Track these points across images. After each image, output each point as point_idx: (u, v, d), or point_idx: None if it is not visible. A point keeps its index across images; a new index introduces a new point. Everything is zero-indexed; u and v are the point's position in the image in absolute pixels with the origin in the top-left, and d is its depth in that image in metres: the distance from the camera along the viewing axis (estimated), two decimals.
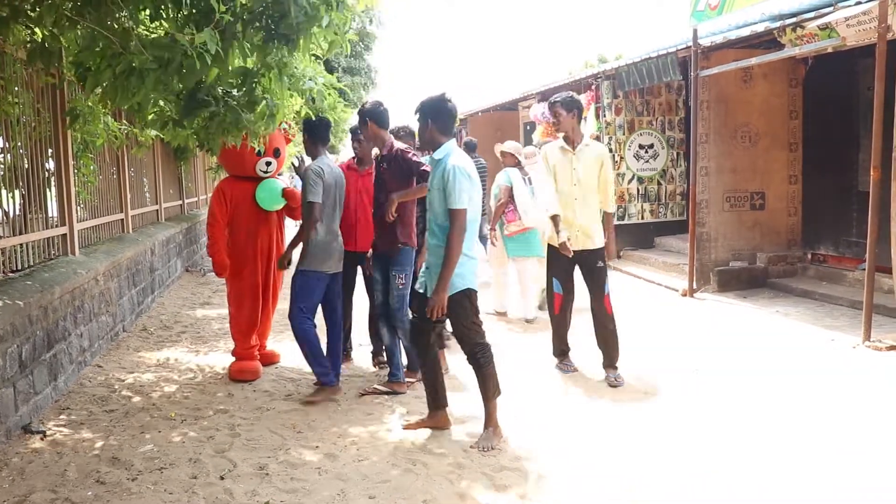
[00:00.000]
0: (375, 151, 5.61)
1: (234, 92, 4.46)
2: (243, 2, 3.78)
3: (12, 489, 3.71)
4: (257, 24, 3.81)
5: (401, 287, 5.28)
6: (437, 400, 4.61)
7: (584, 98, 11.69)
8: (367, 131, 5.42)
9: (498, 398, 4.44)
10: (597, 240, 5.61)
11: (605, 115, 11.31)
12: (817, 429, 4.50)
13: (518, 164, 7.61)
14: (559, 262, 5.68)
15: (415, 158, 5.29)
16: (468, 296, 4.31)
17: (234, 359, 5.87)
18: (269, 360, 6.15)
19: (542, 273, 6.86)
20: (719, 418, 4.72)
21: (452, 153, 4.32)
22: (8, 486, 3.74)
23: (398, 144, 5.42)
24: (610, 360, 5.63)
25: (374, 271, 5.47)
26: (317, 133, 5.42)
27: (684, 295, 8.99)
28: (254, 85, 4.36)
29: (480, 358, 4.35)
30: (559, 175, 5.61)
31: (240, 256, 5.77)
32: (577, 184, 5.55)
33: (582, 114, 5.78)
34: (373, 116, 5.33)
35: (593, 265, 5.64)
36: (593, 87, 11.62)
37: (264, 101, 4.52)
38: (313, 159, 5.37)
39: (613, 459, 4.11)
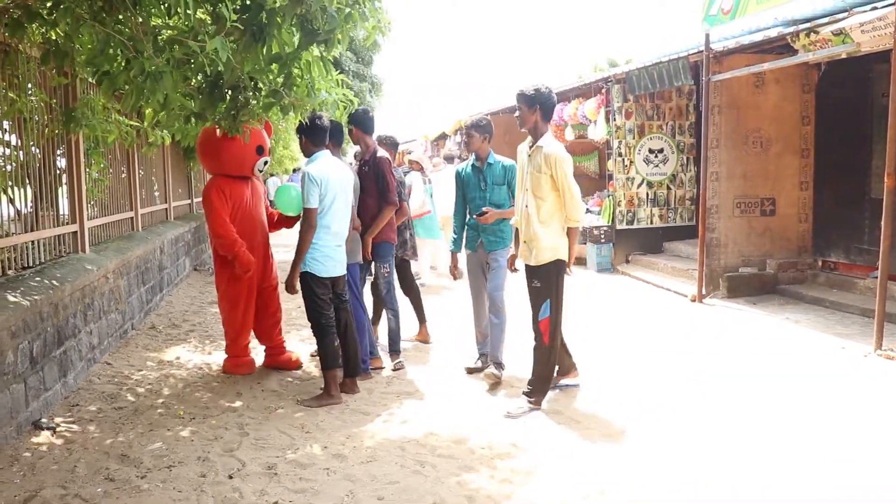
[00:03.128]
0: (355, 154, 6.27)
1: (270, 76, 4.45)
2: (278, 5, 3.78)
3: (23, 484, 3.71)
4: (293, 22, 3.83)
5: (386, 275, 6.15)
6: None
7: (594, 102, 11.68)
8: (352, 135, 6.04)
9: None
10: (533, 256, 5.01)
11: (615, 119, 11.28)
12: (827, 436, 4.47)
13: (422, 170, 10.00)
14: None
15: (390, 173, 5.94)
16: None
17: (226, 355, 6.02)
18: (295, 365, 6.05)
19: (439, 252, 10.70)
20: (727, 423, 4.70)
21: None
22: (19, 481, 3.75)
23: (381, 153, 6.01)
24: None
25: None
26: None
27: (693, 300, 8.96)
28: (291, 68, 4.35)
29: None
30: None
31: None
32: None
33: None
34: (359, 122, 5.98)
35: (529, 283, 5.12)
36: (603, 90, 11.60)
37: (304, 80, 4.53)
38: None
39: (619, 462, 4.09)
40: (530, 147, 5.05)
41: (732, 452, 4.23)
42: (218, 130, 5.29)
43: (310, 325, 5.34)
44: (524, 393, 5.10)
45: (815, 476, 3.90)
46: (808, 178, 9.58)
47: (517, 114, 5.10)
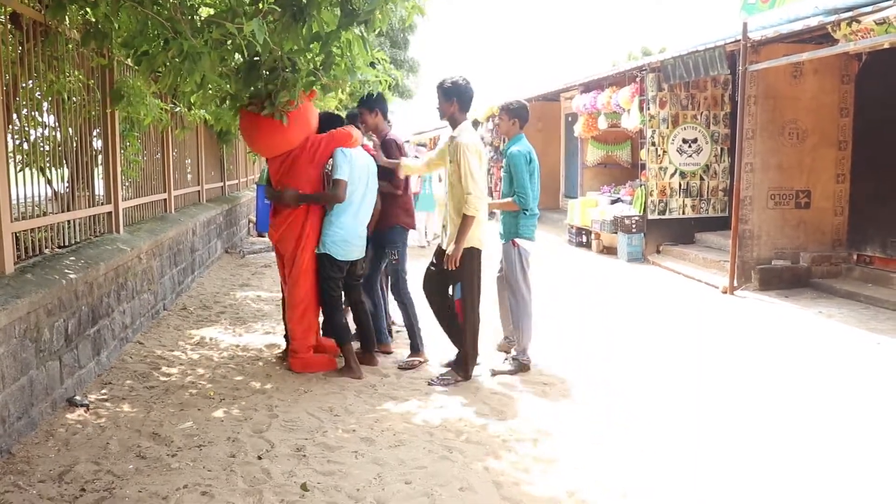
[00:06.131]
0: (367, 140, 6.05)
1: (309, 55, 4.46)
2: None
3: (58, 459, 3.79)
4: (333, 2, 3.84)
5: (395, 263, 5.94)
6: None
7: (628, 90, 11.56)
8: (372, 119, 5.94)
9: None
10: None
11: (649, 108, 11.16)
12: (860, 436, 4.41)
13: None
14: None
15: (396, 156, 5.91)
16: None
17: (289, 351, 5.64)
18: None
19: (431, 221, 13.24)
20: (755, 418, 4.65)
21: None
22: (54, 455, 3.83)
23: (391, 135, 6.02)
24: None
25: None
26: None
27: (724, 292, 8.87)
28: (331, 48, 4.36)
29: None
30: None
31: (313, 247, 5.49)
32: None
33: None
34: (381, 107, 5.94)
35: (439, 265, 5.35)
36: (638, 79, 11.47)
37: (343, 59, 4.54)
38: None
39: (641, 453, 4.07)
40: (450, 138, 5.28)
41: (756, 449, 4.19)
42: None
43: (320, 302, 5.55)
44: (447, 364, 5.50)
45: (845, 479, 3.85)
46: (845, 170, 9.42)
47: (437, 105, 5.33)
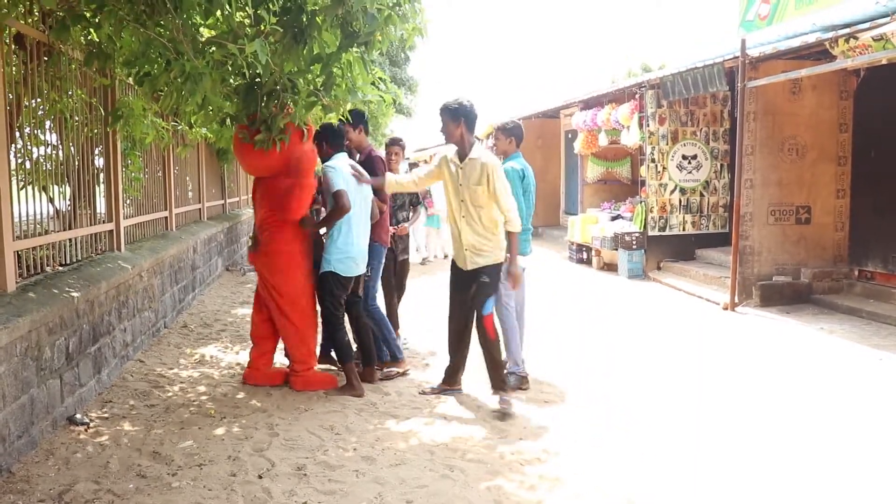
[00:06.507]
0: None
1: (309, 76, 4.49)
2: (318, 6, 3.84)
3: (58, 478, 3.78)
4: (333, 24, 3.87)
5: (366, 280, 5.88)
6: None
7: (627, 107, 11.61)
8: (356, 135, 5.97)
9: None
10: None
11: (648, 125, 11.20)
12: (863, 451, 4.39)
13: None
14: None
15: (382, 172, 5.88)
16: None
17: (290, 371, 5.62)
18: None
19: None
20: (759, 436, 4.64)
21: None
22: (54, 474, 3.82)
23: (375, 152, 6.09)
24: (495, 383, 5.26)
25: None
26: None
27: (725, 308, 8.86)
28: (332, 69, 4.39)
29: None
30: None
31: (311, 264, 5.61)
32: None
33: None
34: (364, 123, 6.05)
35: (472, 282, 5.24)
36: (637, 96, 11.53)
37: (343, 80, 4.57)
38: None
39: (648, 473, 4.05)
40: (461, 160, 5.15)
41: (759, 468, 4.17)
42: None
43: (322, 321, 5.56)
44: (495, 387, 5.21)
45: (845, 489, 3.84)
46: (845, 185, 9.44)
47: (442, 128, 5.21)
